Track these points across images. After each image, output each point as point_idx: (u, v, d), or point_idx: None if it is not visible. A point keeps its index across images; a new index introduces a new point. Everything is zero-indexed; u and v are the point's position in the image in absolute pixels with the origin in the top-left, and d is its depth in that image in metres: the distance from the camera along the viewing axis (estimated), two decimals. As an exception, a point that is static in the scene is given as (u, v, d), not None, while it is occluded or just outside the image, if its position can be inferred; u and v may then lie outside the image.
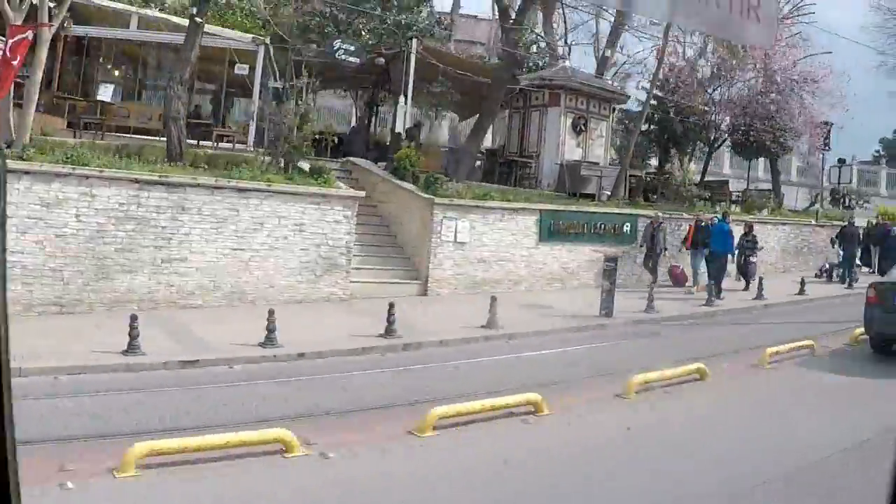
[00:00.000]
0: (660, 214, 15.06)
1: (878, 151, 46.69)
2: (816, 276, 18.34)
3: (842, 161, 23.82)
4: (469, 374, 9.29)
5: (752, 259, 14.91)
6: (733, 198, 21.20)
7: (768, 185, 25.40)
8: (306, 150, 13.54)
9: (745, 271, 15.14)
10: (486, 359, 10.00)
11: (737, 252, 14.85)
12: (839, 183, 24.32)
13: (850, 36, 28.42)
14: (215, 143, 16.20)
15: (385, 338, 10.39)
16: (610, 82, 21.27)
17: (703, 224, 14.83)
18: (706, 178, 22.27)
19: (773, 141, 19.90)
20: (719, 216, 15.51)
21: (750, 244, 14.93)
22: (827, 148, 22.98)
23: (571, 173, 17.44)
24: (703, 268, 14.48)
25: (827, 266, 18.41)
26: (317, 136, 18.50)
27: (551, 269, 15.41)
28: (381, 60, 16.16)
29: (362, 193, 13.80)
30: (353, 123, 22.56)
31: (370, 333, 10.51)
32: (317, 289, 13.24)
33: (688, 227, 15.39)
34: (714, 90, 20.07)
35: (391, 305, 10.64)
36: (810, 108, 20.40)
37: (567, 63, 18.98)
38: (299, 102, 14.04)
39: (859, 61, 42.80)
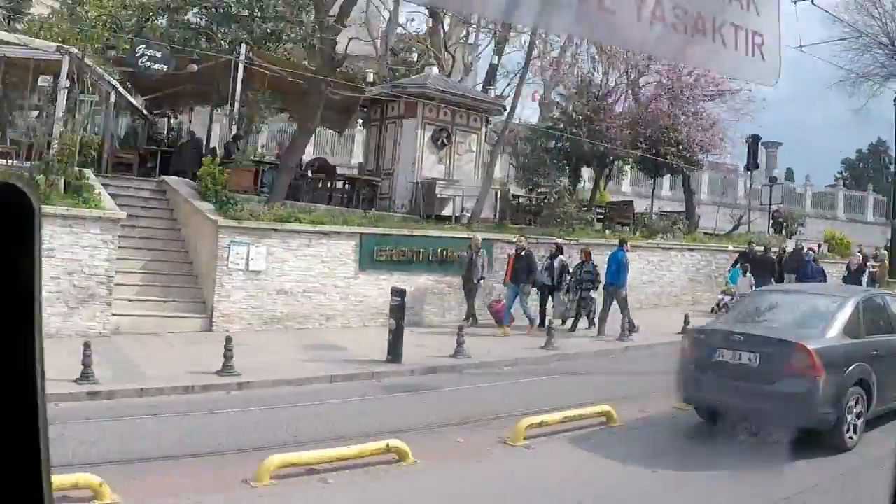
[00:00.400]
0: (478, 237, 12.55)
1: (840, 172, 44.01)
2: (713, 310, 15.87)
3: (772, 179, 21.47)
4: (106, 438, 7.06)
5: (592, 294, 12.17)
6: (645, 220, 18.84)
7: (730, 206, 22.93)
8: (59, 166, 11.57)
9: (582, 308, 12.31)
10: (154, 417, 7.77)
11: (569, 285, 12.12)
12: (770, 203, 21.92)
13: (808, 50, 26.11)
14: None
15: (79, 383, 8.49)
16: (493, 92, 19.02)
17: (523, 252, 12.17)
18: (613, 199, 19.97)
19: (678, 156, 17.57)
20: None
21: (587, 276, 12.28)
22: (754, 166, 20.66)
23: (427, 193, 15.30)
24: (517, 305, 11.93)
25: (726, 299, 15.92)
26: (142, 152, 16.70)
27: (376, 302, 13.17)
28: (195, 67, 14.28)
29: (123, 214, 11.77)
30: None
31: (71, 378, 8.52)
32: (71, 323, 11.21)
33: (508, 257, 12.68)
34: (599, 99, 17.85)
35: (86, 345, 8.64)
36: (703, 113, 17.98)
37: (434, 70, 16.96)
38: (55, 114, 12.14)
39: (821, 78, 40.63)
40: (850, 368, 6.80)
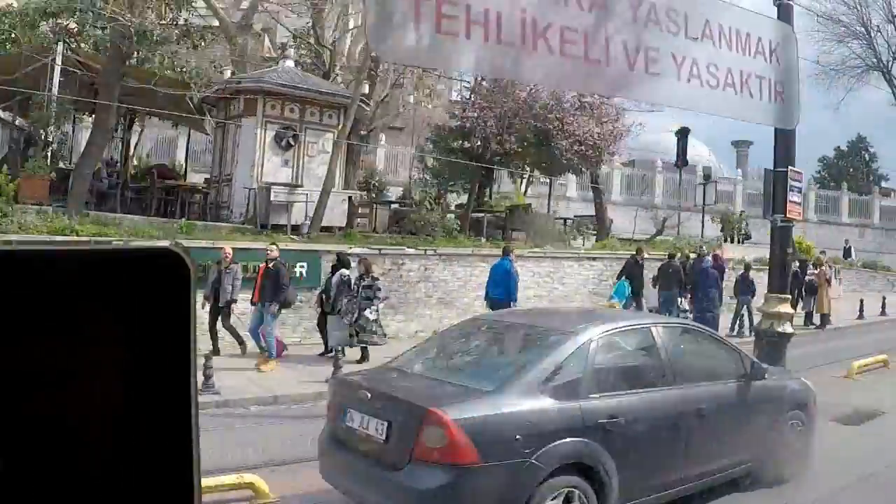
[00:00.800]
0: (228, 249, 10.19)
1: (818, 172, 40.74)
2: None
3: (707, 177, 19.19)
4: None
5: (370, 314, 9.55)
6: (536, 226, 16.67)
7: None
8: None
9: (358, 332, 9.70)
10: None
11: (345, 305, 9.81)
12: (704, 203, 19.58)
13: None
14: None
15: None
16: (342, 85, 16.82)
17: (272, 266, 9.71)
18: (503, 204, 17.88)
19: (570, 151, 15.40)
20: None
21: (366, 293, 9.77)
22: (684, 162, 18.42)
23: (262, 200, 13.54)
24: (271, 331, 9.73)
25: None
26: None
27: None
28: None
29: None
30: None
31: None
32: None
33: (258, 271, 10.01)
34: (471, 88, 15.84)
35: None
36: (600, 104, 15.77)
37: (289, 63, 15.20)
38: None
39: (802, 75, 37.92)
40: (552, 448, 4.30)
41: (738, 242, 22.33)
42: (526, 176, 20.04)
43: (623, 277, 14.00)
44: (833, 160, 39.76)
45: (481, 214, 16.42)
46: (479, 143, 14.88)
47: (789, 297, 9.82)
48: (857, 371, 11.78)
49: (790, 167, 9.83)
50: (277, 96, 14.16)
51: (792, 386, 6.35)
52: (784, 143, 10.21)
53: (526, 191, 20.33)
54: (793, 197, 9.87)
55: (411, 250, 13.26)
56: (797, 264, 17.04)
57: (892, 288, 23.76)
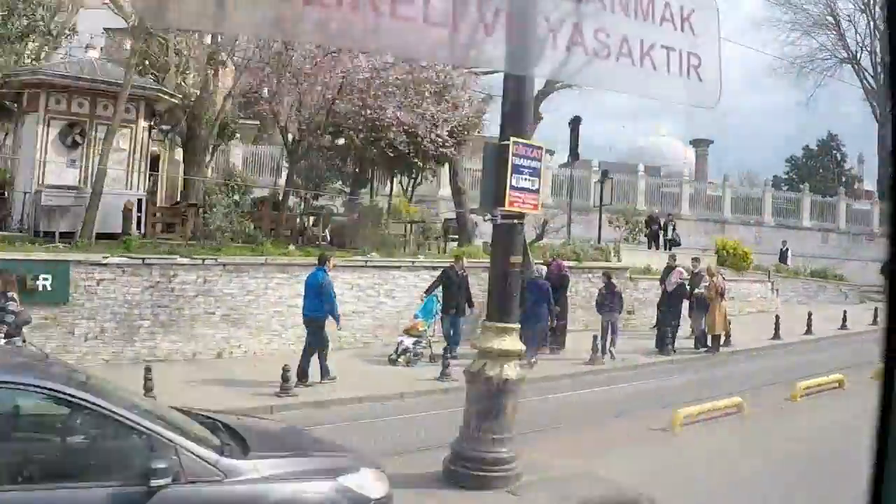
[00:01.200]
0: None
1: (786, 173, 37.03)
2: (392, 358, 11.59)
3: (605, 174, 16.87)
4: None
5: (16, 342, 7.69)
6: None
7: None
8: None
9: None
10: None
11: None
12: (601, 203, 17.27)
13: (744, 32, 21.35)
14: None
15: None
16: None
17: None
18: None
19: (405, 145, 13.38)
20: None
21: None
22: (574, 156, 16.27)
23: (36, 205, 12.25)
24: None
25: (408, 342, 11.63)
26: None
27: None
28: None
29: None
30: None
31: None
32: None
33: None
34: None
35: None
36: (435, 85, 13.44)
37: (91, 54, 13.88)
38: None
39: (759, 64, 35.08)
40: None
41: (666, 248, 19.89)
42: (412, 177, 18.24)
43: (434, 291, 12.08)
44: (802, 160, 36.17)
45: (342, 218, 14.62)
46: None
47: (515, 326, 6.97)
48: (682, 421, 8.75)
49: (514, 139, 6.80)
50: (63, 90, 12.85)
51: (287, 490, 3.88)
52: (512, 103, 6.99)
53: (410, 191, 18.38)
54: (521, 182, 6.90)
55: (185, 260, 11.70)
56: (684, 274, 14.74)
57: (844, 300, 20.92)
